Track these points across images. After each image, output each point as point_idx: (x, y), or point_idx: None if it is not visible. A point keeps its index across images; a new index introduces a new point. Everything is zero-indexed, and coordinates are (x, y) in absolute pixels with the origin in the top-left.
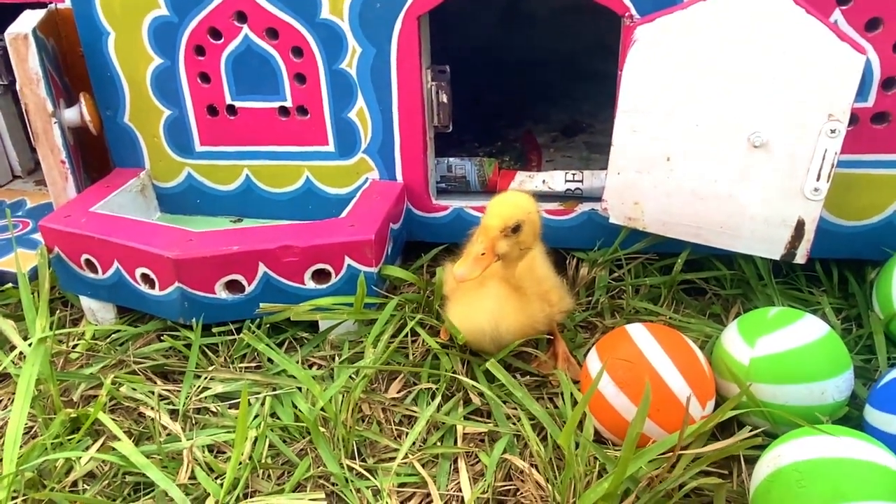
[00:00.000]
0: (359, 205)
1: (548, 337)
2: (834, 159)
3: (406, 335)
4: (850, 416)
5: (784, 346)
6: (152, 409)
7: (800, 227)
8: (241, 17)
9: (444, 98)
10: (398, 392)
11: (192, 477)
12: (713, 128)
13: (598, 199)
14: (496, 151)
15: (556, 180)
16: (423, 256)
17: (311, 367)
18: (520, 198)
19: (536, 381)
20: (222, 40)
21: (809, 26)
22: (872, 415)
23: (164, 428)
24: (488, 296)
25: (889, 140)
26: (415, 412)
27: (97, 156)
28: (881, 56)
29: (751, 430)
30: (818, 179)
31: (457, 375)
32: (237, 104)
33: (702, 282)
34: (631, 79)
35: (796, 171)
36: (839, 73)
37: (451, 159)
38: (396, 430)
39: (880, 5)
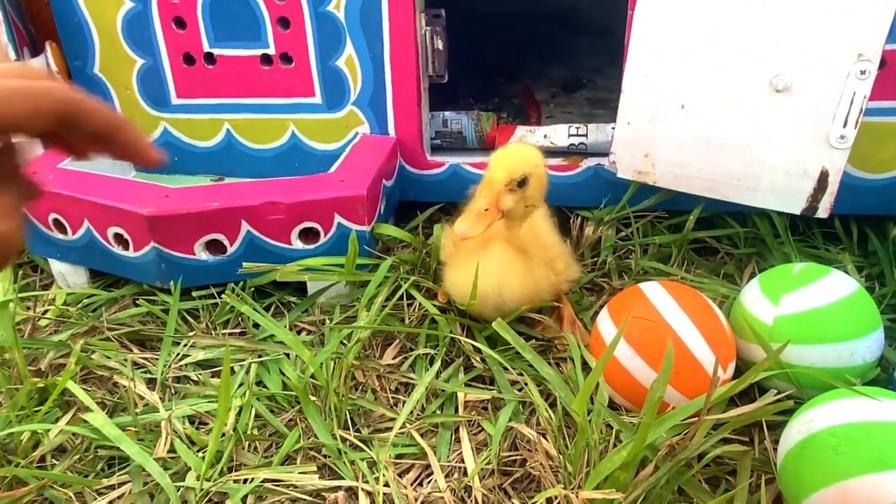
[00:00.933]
0: (349, 160)
1: (553, 303)
2: (863, 104)
3: (401, 298)
4: (878, 379)
5: (811, 303)
6: (127, 377)
7: (823, 178)
8: None
9: (440, 44)
10: (394, 358)
11: (172, 450)
12: (732, 70)
13: (604, 154)
14: (493, 108)
15: (559, 135)
16: (419, 216)
17: (299, 332)
18: (526, 150)
19: (541, 346)
20: None
21: None
22: None
23: (141, 398)
24: (491, 258)
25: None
26: (412, 379)
27: None
28: None
29: (776, 394)
30: (845, 126)
31: (457, 337)
32: (216, 52)
33: (713, 241)
34: (643, 18)
35: (821, 117)
36: (870, 8)
37: (446, 113)
38: (393, 398)
39: None
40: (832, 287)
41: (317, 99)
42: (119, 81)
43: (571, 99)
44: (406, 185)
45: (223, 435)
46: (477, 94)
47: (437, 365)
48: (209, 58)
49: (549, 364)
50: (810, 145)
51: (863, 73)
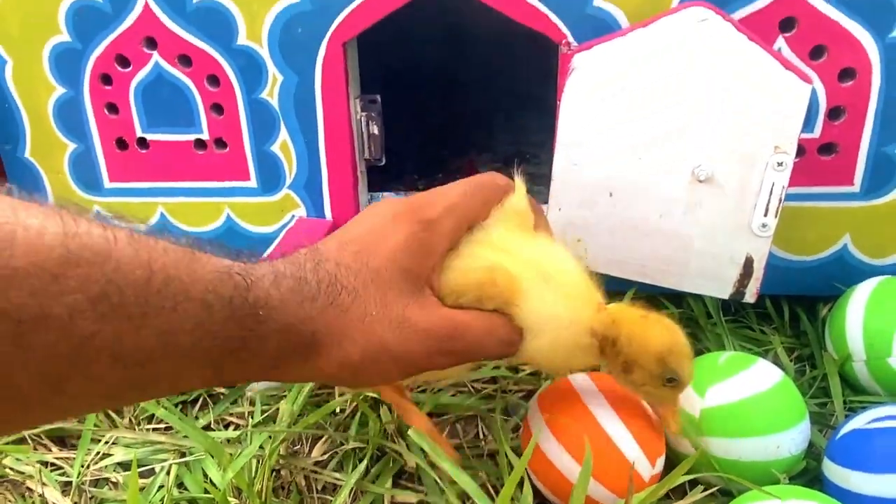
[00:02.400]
0: (282, 244)
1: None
2: (782, 193)
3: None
4: (808, 469)
5: (735, 395)
6: (38, 482)
7: (748, 264)
8: (151, 43)
9: (375, 130)
10: (322, 454)
11: None
12: (656, 161)
13: None
14: (437, 184)
15: None
16: None
17: (227, 426)
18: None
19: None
20: (131, 68)
21: (752, 54)
22: (831, 469)
23: None
24: None
25: (836, 172)
26: (339, 480)
27: None
28: (826, 85)
29: (704, 490)
30: (766, 215)
31: (385, 444)
32: (149, 137)
33: None
34: (569, 109)
35: (743, 206)
36: (785, 103)
37: (385, 194)
38: (320, 498)
39: (824, 33)
40: (757, 378)
41: (252, 183)
42: (50, 166)
43: (513, 175)
44: None
45: None
46: (422, 167)
47: (366, 462)
48: (142, 142)
49: (484, 457)
50: (734, 233)
51: (780, 164)
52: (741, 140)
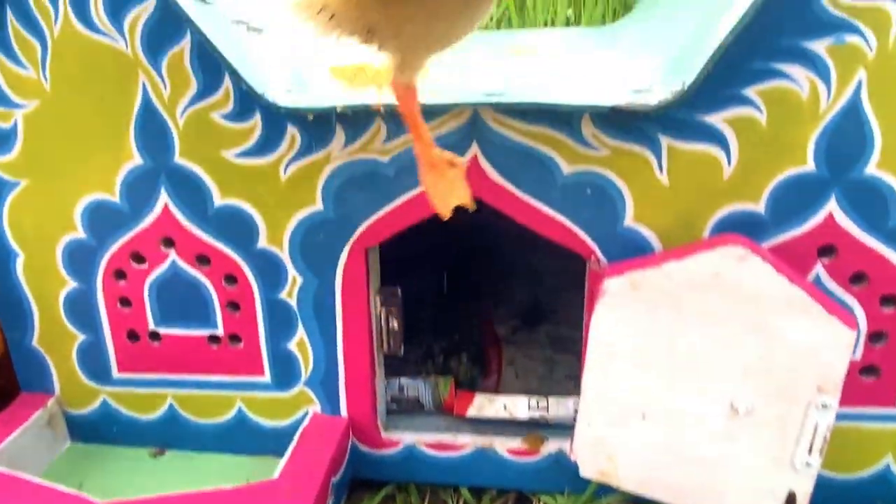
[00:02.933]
0: (294, 457)
1: None
2: (826, 433)
3: None
4: None
5: None
6: None
7: (791, 500)
8: (169, 242)
9: (395, 324)
10: None
11: None
12: (692, 389)
13: (565, 427)
14: (452, 347)
15: (519, 406)
16: (369, 501)
17: None
18: None
19: None
20: (146, 265)
21: (794, 295)
22: None
23: None
24: None
25: (878, 393)
26: None
27: (4, 374)
28: (867, 310)
29: None
30: (810, 453)
31: None
32: (161, 331)
33: None
34: (600, 331)
35: (785, 442)
36: (828, 347)
37: (402, 380)
38: None
39: (864, 260)
40: None
41: (266, 378)
42: (58, 354)
43: (533, 335)
44: (358, 463)
45: None
46: (436, 326)
47: None
48: (154, 335)
49: None
50: (774, 468)
51: (824, 406)
52: (783, 377)
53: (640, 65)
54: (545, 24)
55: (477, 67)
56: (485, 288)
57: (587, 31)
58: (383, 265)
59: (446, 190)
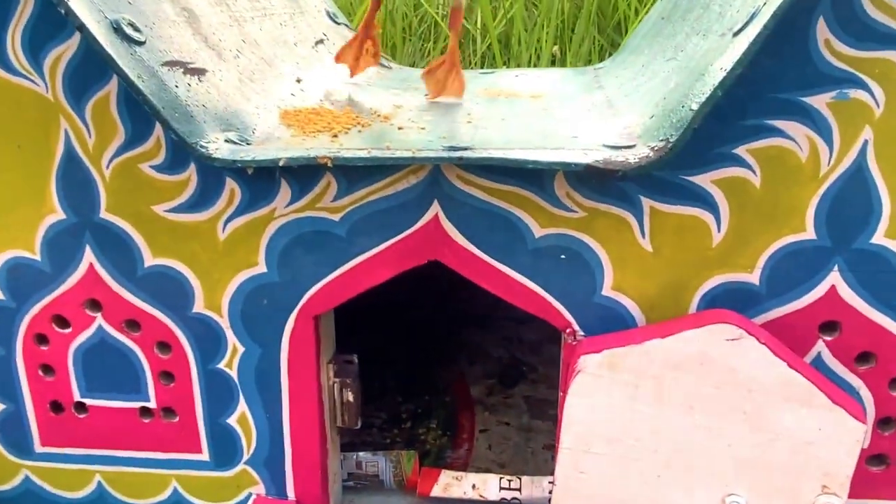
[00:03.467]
0: None
1: None
2: None
3: None
4: None
5: None
6: None
7: None
8: (95, 305)
9: (350, 396)
10: None
11: None
12: (678, 482)
13: None
14: (422, 411)
15: (490, 487)
16: None
17: None
18: None
19: None
20: (70, 329)
21: (794, 382)
22: None
23: None
24: None
25: (888, 485)
26: None
27: None
28: (875, 393)
29: None
30: None
31: None
32: (88, 401)
33: None
34: (575, 412)
35: None
36: (833, 440)
37: (360, 454)
38: None
39: (871, 338)
40: None
41: (204, 456)
42: None
43: (509, 398)
44: None
45: None
46: (405, 384)
47: None
48: (80, 407)
49: None
50: None
51: None
52: (782, 473)
53: (623, 113)
54: (530, 61)
55: (447, 112)
56: (459, 340)
57: (570, 73)
58: (344, 316)
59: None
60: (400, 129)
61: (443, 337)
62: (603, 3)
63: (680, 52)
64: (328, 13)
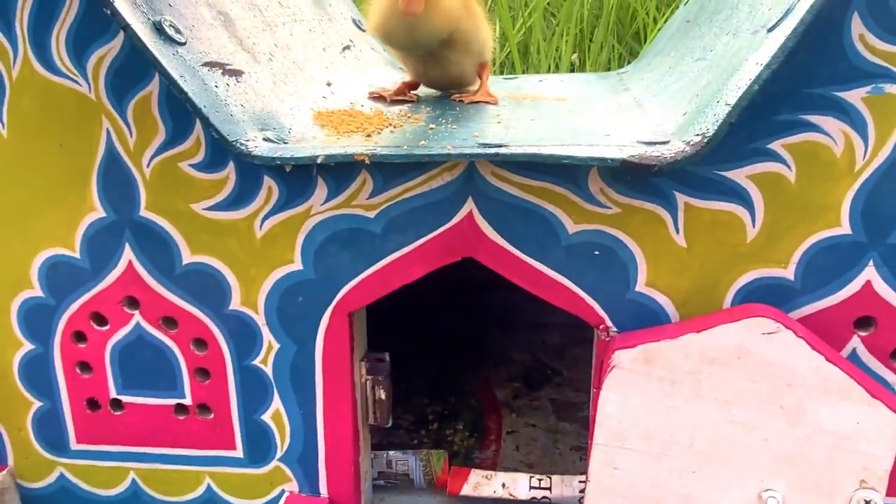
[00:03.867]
0: None
1: None
2: None
3: None
4: None
5: None
6: None
7: None
8: (133, 303)
9: (382, 394)
10: None
11: None
12: (714, 477)
13: None
14: (449, 413)
15: (520, 485)
16: None
17: None
18: None
19: None
20: (108, 327)
21: (831, 376)
22: None
23: None
24: None
25: None
26: None
27: None
28: None
29: None
30: None
31: None
32: (124, 399)
33: None
34: (610, 407)
35: None
36: (871, 435)
37: (391, 453)
38: None
39: None
40: None
41: (238, 453)
42: (12, 422)
43: (535, 401)
44: None
45: None
46: (431, 387)
47: None
48: (116, 404)
49: None
50: None
51: (867, 502)
52: (819, 468)
53: (653, 113)
54: (549, 70)
55: (476, 114)
56: (482, 344)
57: (593, 77)
58: (372, 321)
59: None
60: (431, 128)
61: (467, 341)
62: (621, 12)
63: (709, 52)
64: (354, 20)
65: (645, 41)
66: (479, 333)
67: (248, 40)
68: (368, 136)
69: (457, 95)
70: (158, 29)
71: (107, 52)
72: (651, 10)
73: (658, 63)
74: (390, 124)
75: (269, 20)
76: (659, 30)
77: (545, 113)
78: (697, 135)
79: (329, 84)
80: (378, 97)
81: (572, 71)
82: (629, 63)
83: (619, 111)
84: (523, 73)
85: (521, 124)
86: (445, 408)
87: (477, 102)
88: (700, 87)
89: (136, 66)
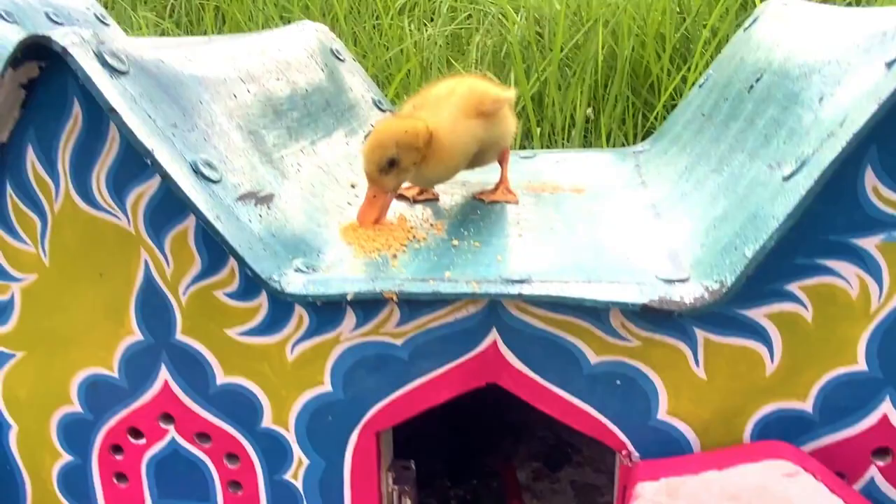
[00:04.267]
0: None
1: None
2: None
3: None
4: None
5: None
6: None
7: None
8: (168, 419)
9: (409, 503)
10: None
11: None
12: None
13: None
14: (472, 498)
15: None
16: None
17: None
18: (385, 132)
19: None
20: (144, 441)
21: None
22: None
23: None
24: None
25: None
26: None
27: None
28: None
29: None
30: None
31: None
32: None
33: None
34: None
35: None
36: None
37: None
38: None
39: None
40: None
41: None
42: None
43: (555, 483)
44: None
45: None
46: (454, 470)
47: None
48: None
49: None
50: None
51: None
52: None
53: (670, 227)
54: (564, 124)
55: (496, 221)
56: (504, 420)
57: (610, 159)
58: None
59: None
60: (454, 245)
61: (488, 416)
62: (636, 65)
63: (725, 167)
64: (374, 101)
65: (660, 95)
66: (499, 409)
67: (275, 154)
68: (395, 255)
69: (478, 195)
70: (195, 170)
71: (145, 190)
72: (665, 65)
73: (674, 155)
74: (414, 237)
75: (292, 126)
76: (674, 86)
77: (565, 215)
78: (716, 281)
79: (353, 186)
80: (401, 196)
81: (587, 122)
82: (644, 116)
83: (636, 219)
84: (537, 123)
85: (541, 237)
86: (467, 490)
87: (497, 202)
88: (717, 213)
89: (173, 204)
